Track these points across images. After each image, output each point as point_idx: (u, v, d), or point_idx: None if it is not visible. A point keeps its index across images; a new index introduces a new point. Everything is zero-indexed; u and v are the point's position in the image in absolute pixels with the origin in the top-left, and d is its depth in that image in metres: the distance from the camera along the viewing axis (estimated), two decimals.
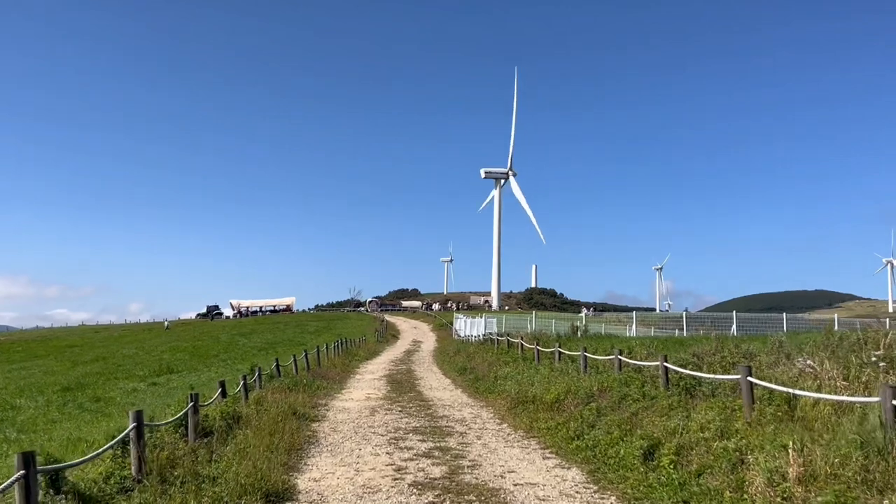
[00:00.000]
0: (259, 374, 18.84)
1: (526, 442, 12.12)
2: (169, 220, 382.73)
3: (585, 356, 17.80)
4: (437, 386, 22.90)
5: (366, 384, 23.78)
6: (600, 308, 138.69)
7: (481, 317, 46.09)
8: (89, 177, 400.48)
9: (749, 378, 9.54)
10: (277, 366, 21.94)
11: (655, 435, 9.72)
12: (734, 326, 41.07)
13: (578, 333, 36.74)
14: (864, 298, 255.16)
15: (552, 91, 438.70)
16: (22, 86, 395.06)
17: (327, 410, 16.34)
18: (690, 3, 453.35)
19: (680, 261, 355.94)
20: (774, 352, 13.35)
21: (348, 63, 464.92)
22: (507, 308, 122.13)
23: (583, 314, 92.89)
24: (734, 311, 42.61)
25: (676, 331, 49.51)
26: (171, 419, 10.52)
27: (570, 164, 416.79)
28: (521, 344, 26.59)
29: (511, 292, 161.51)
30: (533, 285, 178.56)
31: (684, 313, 42.55)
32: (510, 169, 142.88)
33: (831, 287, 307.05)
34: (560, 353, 20.79)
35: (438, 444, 11.70)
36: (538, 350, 23.10)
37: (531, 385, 17.44)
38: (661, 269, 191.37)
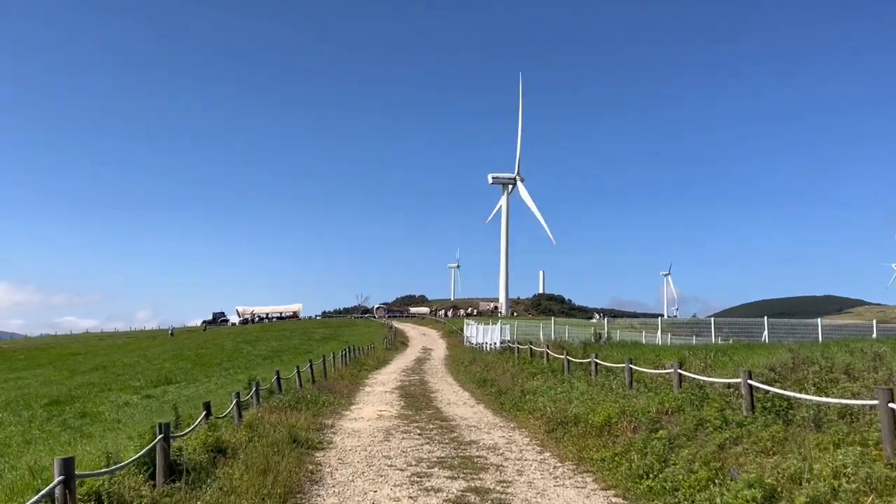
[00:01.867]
0: (256, 390, 16.53)
1: (580, 479, 9.77)
2: (176, 227, 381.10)
3: (631, 368, 15.44)
4: (455, 401, 20.55)
5: (376, 398, 21.46)
6: (610, 314, 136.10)
7: (496, 323, 43.69)
8: (96, 184, 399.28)
9: (891, 404, 7.19)
10: (278, 379, 19.63)
11: (767, 480, 7.35)
12: (766, 332, 38.61)
13: (601, 340, 34.34)
14: (873, 304, 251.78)
15: (559, 96, 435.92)
16: (26, 91, 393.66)
17: (334, 434, 14.00)
18: (697, 8, 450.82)
19: (686, 266, 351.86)
20: (877, 367, 10.99)
21: (354, 67, 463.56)
22: (515, 314, 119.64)
23: (600, 321, 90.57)
24: (765, 317, 40.08)
25: (694, 337, 47.05)
26: (134, 456, 8.22)
27: (576, 169, 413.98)
28: (547, 353, 24.20)
29: (519, 298, 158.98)
30: (541, 291, 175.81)
31: (712, 319, 40.10)
32: (517, 174, 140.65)
33: (839, 292, 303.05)
34: (597, 364, 18.40)
35: (473, 484, 9.36)
36: (568, 360, 20.74)
37: (568, 402, 15.10)
38: (668, 274, 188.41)
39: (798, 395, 9.46)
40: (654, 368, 15.93)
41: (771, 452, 8.20)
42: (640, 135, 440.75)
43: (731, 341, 40.71)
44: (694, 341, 42.36)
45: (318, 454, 11.68)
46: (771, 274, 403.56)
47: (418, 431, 14.18)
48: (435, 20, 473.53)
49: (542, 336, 44.84)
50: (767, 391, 10.34)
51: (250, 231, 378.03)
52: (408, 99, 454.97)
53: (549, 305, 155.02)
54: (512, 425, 15.09)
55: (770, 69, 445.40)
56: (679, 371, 12.93)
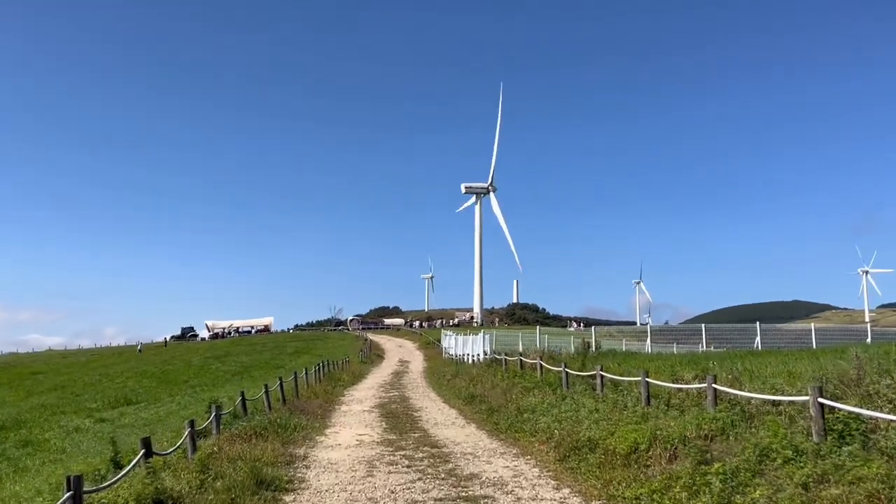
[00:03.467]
0: (217, 415, 14.30)
1: None
2: (144, 240, 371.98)
3: (648, 382, 13.49)
4: (443, 421, 18.48)
5: (354, 419, 19.33)
6: (584, 322, 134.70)
7: (478, 333, 41.68)
8: (61, 198, 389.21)
9: None
10: (243, 400, 17.38)
11: None
12: (758, 339, 37.03)
13: (590, 351, 32.47)
14: (840, 308, 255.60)
15: (527, 105, 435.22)
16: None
17: (307, 468, 11.83)
18: (662, 21, 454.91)
19: (655, 274, 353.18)
20: None
21: (324, 78, 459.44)
22: (496, 323, 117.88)
23: (578, 330, 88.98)
24: (757, 322, 38.51)
25: (675, 345, 45.41)
26: None
27: (545, 178, 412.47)
28: (540, 365, 22.20)
29: (493, 308, 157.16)
30: (515, 300, 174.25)
31: (703, 326, 38.44)
32: (491, 184, 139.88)
33: (807, 297, 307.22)
34: (602, 377, 16.43)
35: None
36: (567, 373, 18.77)
37: (577, 423, 13.14)
38: (640, 282, 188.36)
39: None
40: (673, 382, 14.01)
41: (882, 497, 6.27)
42: (608, 144, 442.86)
43: (712, 348, 39.18)
44: (675, 349, 40.70)
45: (287, 498, 9.52)
46: (739, 280, 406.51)
47: (406, 462, 12.07)
48: (405, 30, 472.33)
49: (521, 346, 42.93)
50: (836, 410, 8.47)
51: (221, 243, 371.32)
52: (379, 108, 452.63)
53: (523, 315, 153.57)
54: (514, 451, 13.06)
55: (736, 78, 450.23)
56: (714, 386, 10.96)
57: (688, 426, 10.09)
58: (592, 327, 38.32)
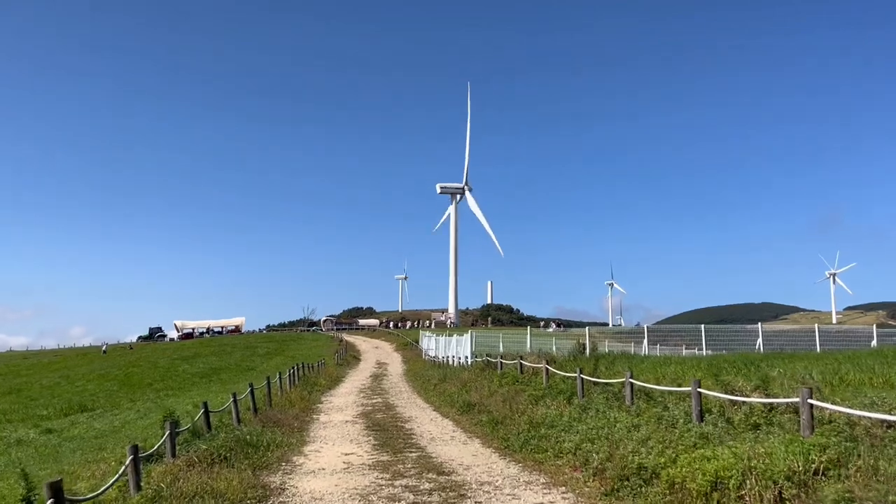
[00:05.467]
0: (172, 433, 11.62)
1: None
2: (113, 239, 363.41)
3: (700, 393, 11.08)
4: (440, 435, 15.94)
5: (337, 432, 16.75)
6: (562, 323, 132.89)
7: (464, 334, 39.22)
8: (28, 194, 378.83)
9: None
10: (206, 413, 14.64)
11: None
12: (760, 341, 34.97)
13: (585, 353, 30.15)
14: (808, 310, 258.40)
15: (497, 112, 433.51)
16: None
17: None
18: (634, 29, 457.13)
19: (625, 276, 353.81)
20: None
21: (298, 80, 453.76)
22: (474, 325, 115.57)
23: (557, 330, 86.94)
24: (759, 324, 36.47)
25: (658, 346, 43.29)
26: None
27: (515, 183, 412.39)
28: (546, 369, 19.72)
29: (468, 309, 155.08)
30: (489, 301, 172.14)
31: (703, 327, 36.23)
32: (466, 184, 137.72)
33: (775, 300, 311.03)
34: (632, 385, 13.96)
35: None
36: (583, 380, 16.32)
37: (613, 443, 10.67)
38: (612, 283, 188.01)
39: None
40: (726, 392, 11.63)
41: None
42: (576, 149, 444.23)
43: (697, 351, 37.08)
44: (658, 351, 38.57)
45: None
46: (709, 282, 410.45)
47: (412, 498, 9.48)
48: (383, 34, 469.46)
49: (501, 347, 40.57)
50: None
51: (191, 242, 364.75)
52: (353, 109, 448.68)
53: (498, 315, 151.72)
54: (542, 480, 10.56)
55: (705, 84, 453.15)
56: (811, 401, 8.50)
57: (791, 455, 7.66)
58: (587, 328, 36.02)
